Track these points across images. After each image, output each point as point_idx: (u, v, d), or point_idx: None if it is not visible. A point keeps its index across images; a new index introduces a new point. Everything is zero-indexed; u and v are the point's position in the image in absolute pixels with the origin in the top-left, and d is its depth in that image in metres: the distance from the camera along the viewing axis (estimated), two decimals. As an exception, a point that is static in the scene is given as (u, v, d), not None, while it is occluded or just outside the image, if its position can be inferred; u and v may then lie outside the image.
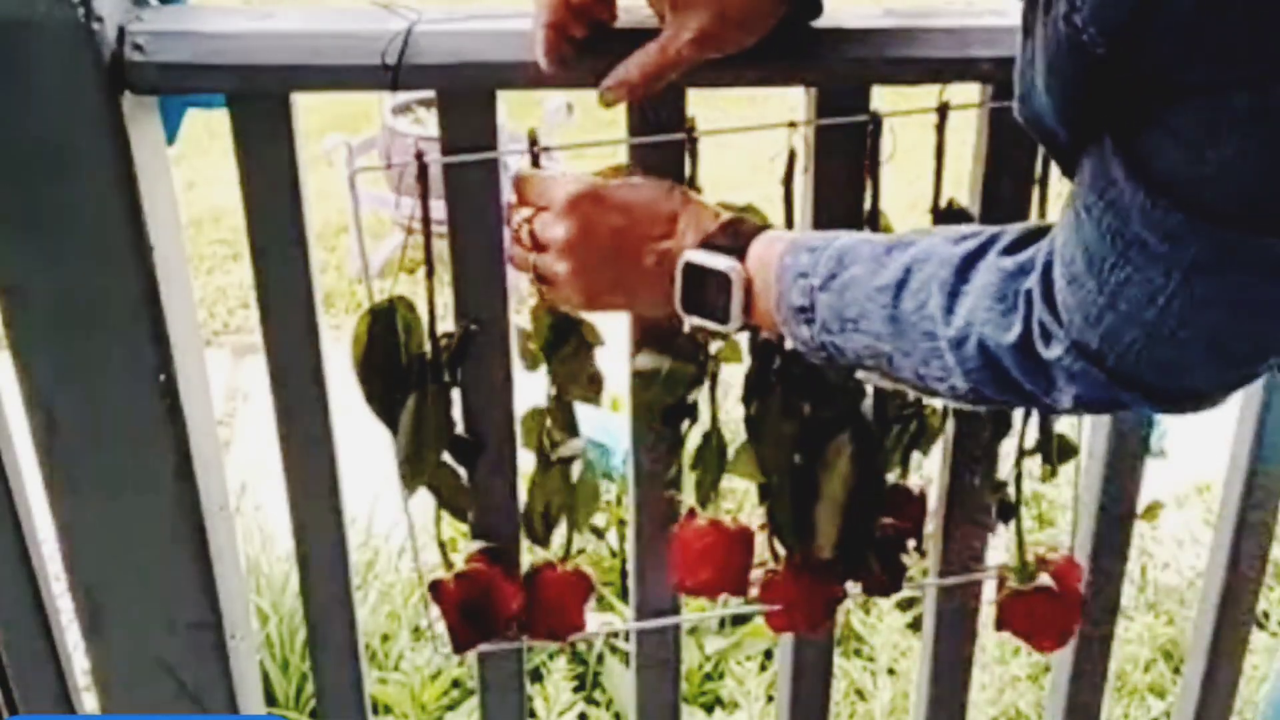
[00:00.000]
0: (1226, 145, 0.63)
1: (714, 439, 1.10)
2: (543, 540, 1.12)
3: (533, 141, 0.99)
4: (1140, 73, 0.64)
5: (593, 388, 1.06)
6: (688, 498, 1.13)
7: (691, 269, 0.91)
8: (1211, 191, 0.65)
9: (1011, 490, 1.18)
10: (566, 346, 1.04)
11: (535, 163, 0.99)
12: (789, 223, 1.02)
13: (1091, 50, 0.65)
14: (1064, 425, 1.16)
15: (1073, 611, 1.19)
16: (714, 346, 1.06)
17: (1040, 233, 0.80)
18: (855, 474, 1.08)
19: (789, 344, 0.92)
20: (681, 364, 1.05)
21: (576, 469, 1.10)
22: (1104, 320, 0.72)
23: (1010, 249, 0.81)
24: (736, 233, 0.92)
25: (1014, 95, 0.74)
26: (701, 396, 1.08)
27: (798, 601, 1.14)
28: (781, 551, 1.13)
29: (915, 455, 1.15)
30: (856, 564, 1.14)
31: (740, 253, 0.90)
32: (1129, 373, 0.74)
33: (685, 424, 1.10)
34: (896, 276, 0.83)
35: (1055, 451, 1.16)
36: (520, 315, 1.06)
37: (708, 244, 0.91)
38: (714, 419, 1.09)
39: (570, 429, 1.09)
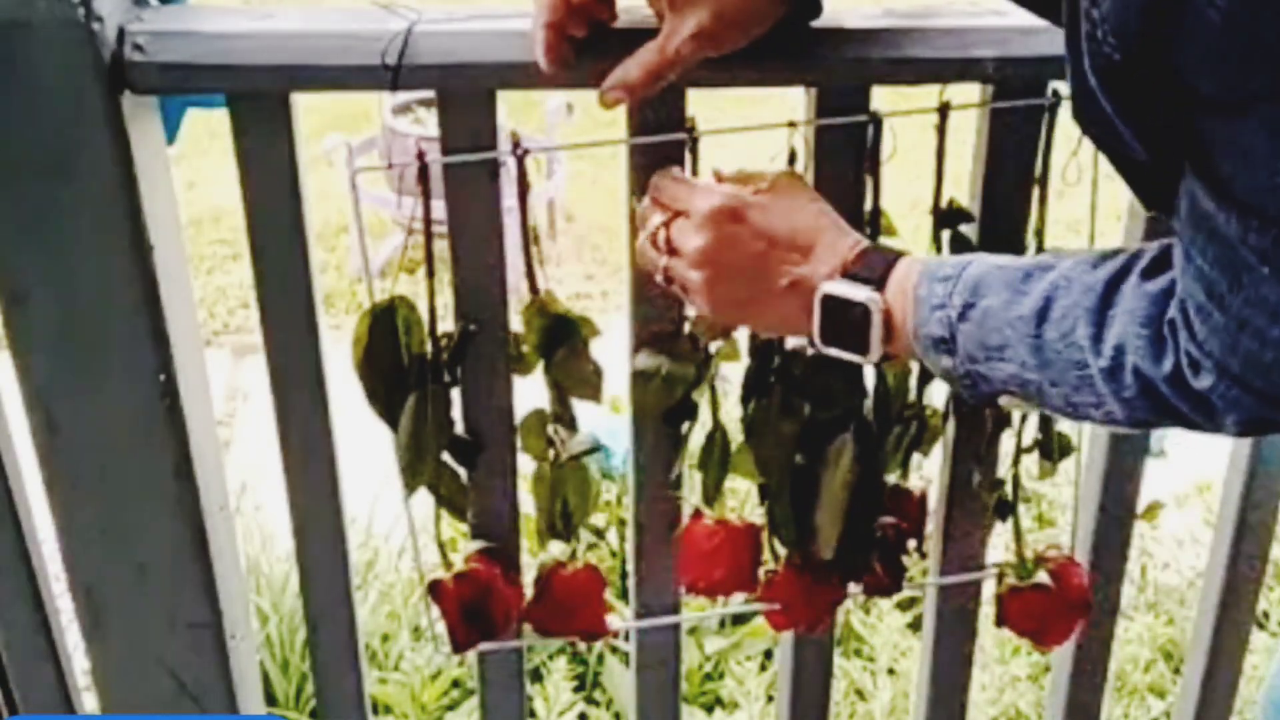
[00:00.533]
0: None
1: (717, 438, 1.10)
2: (565, 537, 1.12)
3: (515, 144, 0.98)
4: (1168, 83, 0.64)
5: (593, 384, 1.06)
6: (690, 497, 1.13)
7: (830, 300, 0.90)
8: None
9: (1009, 488, 1.18)
10: (563, 347, 1.04)
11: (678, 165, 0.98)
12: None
13: (1110, 55, 0.65)
14: (1063, 423, 1.16)
15: (1073, 610, 1.19)
16: (714, 346, 1.06)
17: None
18: (857, 474, 1.08)
19: (934, 373, 0.90)
20: (681, 364, 1.05)
21: (589, 464, 1.10)
22: (1239, 346, 0.71)
23: (1150, 270, 0.79)
24: (875, 261, 0.90)
25: (1072, 104, 0.73)
26: (703, 396, 1.08)
27: (798, 601, 1.14)
28: (782, 551, 1.13)
29: (915, 456, 1.15)
30: (857, 564, 1.14)
31: (879, 282, 0.89)
32: (1276, 393, 0.73)
33: (685, 425, 1.10)
34: (1036, 306, 0.82)
35: (1054, 449, 1.16)
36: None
37: (847, 273, 0.90)
38: (715, 419, 1.09)
39: (575, 426, 1.09)
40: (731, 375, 1.09)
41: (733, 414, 1.10)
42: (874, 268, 0.90)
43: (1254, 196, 0.66)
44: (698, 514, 1.13)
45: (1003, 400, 0.88)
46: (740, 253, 0.91)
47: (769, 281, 0.91)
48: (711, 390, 1.08)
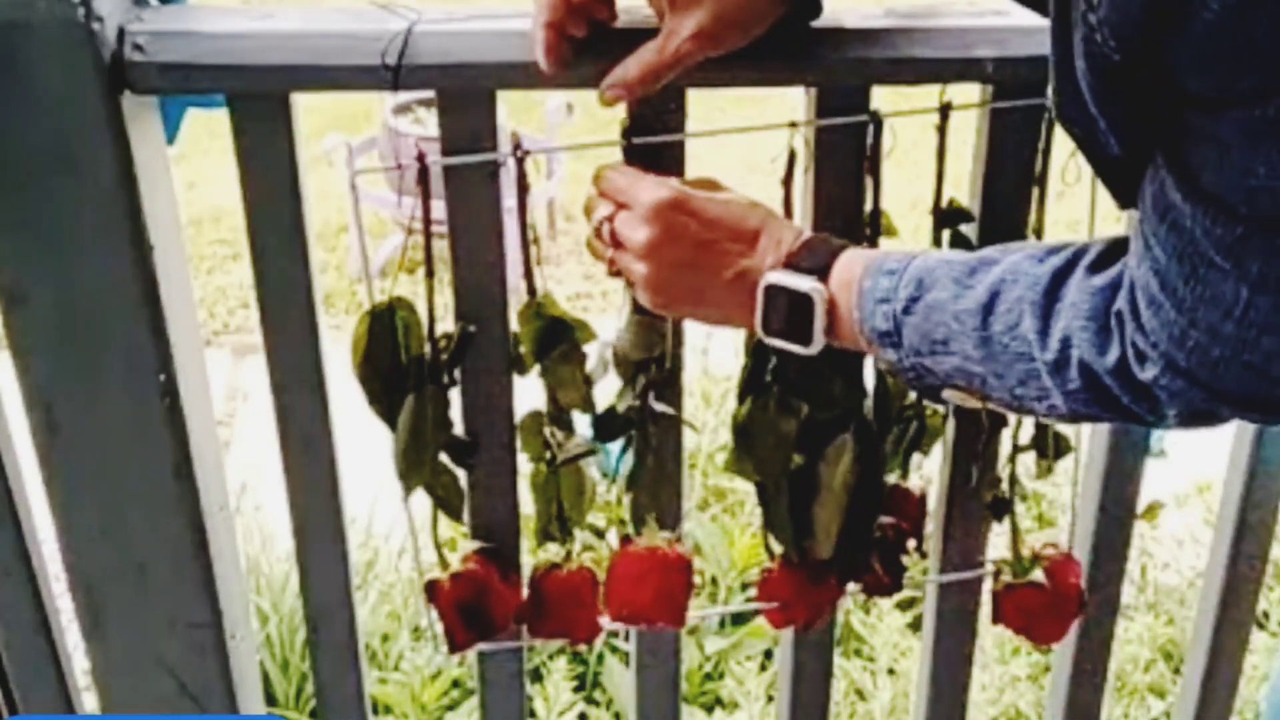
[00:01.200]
0: (1274, 154, 0.63)
1: (649, 461, 1.09)
2: (559, 539, 1.12)
3: (516, 145, 0.98)
4: (1162, 80, 0.64)
5: (581, 391, 1.05)
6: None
7: (773, 290, 0.90)
8: (1265, 201, 0.65)
9: (1006, 486, 1.18)
10: (557, 350, 1.04)
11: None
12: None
13: (1109, 57, 0.65)
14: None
15: (1068, 606, 1.19)
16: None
17: (1124, 245, 0.79)
18: (856, 474, 1.07)
19: (879, 366, 0.90)
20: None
21: (585, 466, 1.10)
22: (1188, 339, 0.72)
23: (1096, 265, 0.80)
24: (818, 252, 0.91)
25: (1050, 100, 0.73)
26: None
27: (793, 599, 1.14)
28: (777, 549, 1.13)
29: (915, 456, 1.15)
30: (856, 564, 1.14)
31: (823, 272, 0.89)
32: (1222, 387, 0.73)
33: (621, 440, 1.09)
34: (982, 299, 0.82)
35: (1051, 448, 1.15)
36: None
37: (790, 264, 0.90)
38: (647, 437, 1.08)
39: (570, 430, 1.08)
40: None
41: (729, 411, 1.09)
42: (818, 257, 0.90)
43: (1224, 192, 0.67)
44: (628, 539, 1.12)
45: (946, 394, 0.89)
46: (685, 244, 0.91)
47: (714, 273, 0.92)
48: (650, 412, 1.07)
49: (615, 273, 0.95)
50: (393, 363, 1.02)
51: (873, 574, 1.16)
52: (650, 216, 0.91)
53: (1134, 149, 0.72)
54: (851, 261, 0.89)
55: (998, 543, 1.23)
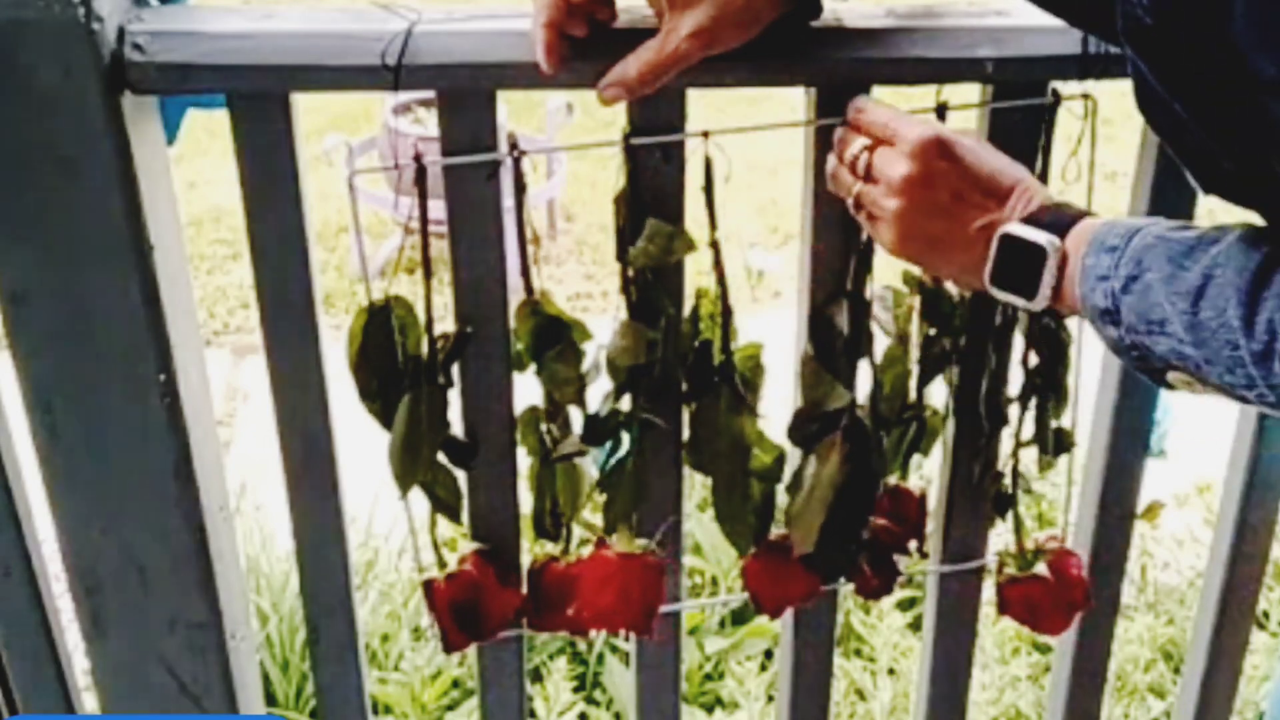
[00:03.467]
0: None
1: (628, 464, 1.09)
2: (554, 537, 1.12)
3: (513, 145, 0.98)
4: (1235, 66, 0.62)
5: (575, 388, 1.05)
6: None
7: (1008, 242, 0.89)
8: None
9: (1009, 481, 1.18)
10: (553, 349, 1.04)
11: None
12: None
13: (1140, 19, 0.64)
14: (1062, 419, 1.16)
15: (1072, 599, 1.19)
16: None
17: None
18: (846, 474, 1.07)
19: (1104, 343, 0.88)
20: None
21: (580, 465, 1.10)
22: None
23: None
24: (1063, 214, 0.90)
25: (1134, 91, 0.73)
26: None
27: (766, 587, 1.15)
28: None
29: (915, 456, 1.15)
30: (838, 563, 1.14)
31: (1062, 232, 0.88)
32: None
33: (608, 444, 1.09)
34: (1196, 283, 0.81)
35: (1052, 443, 1.15)
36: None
37: (1031, 220, 0.89)
38: (633, 441, 1.08)
39: (568, 426, 1.08)
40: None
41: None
42: (1061, 217, 0.89)
43: None
44: (601, 542, 1.11)
45: (1171, 376, 0.87)
46: (943, 190, 0.90)
47: (963, 224, 0.91)
48: (631, 413, 1.07)
49: (857, 208, 0.94)
50: (389, 361, 1.02)
51: (861, 574, 1.15)
52: (916, 153, 0.90)
53: (1224, 136, 0.70)
54: (1089, 227, 0.88)
55: (997, 541, 1.24)
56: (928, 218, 0.91)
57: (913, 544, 1.18)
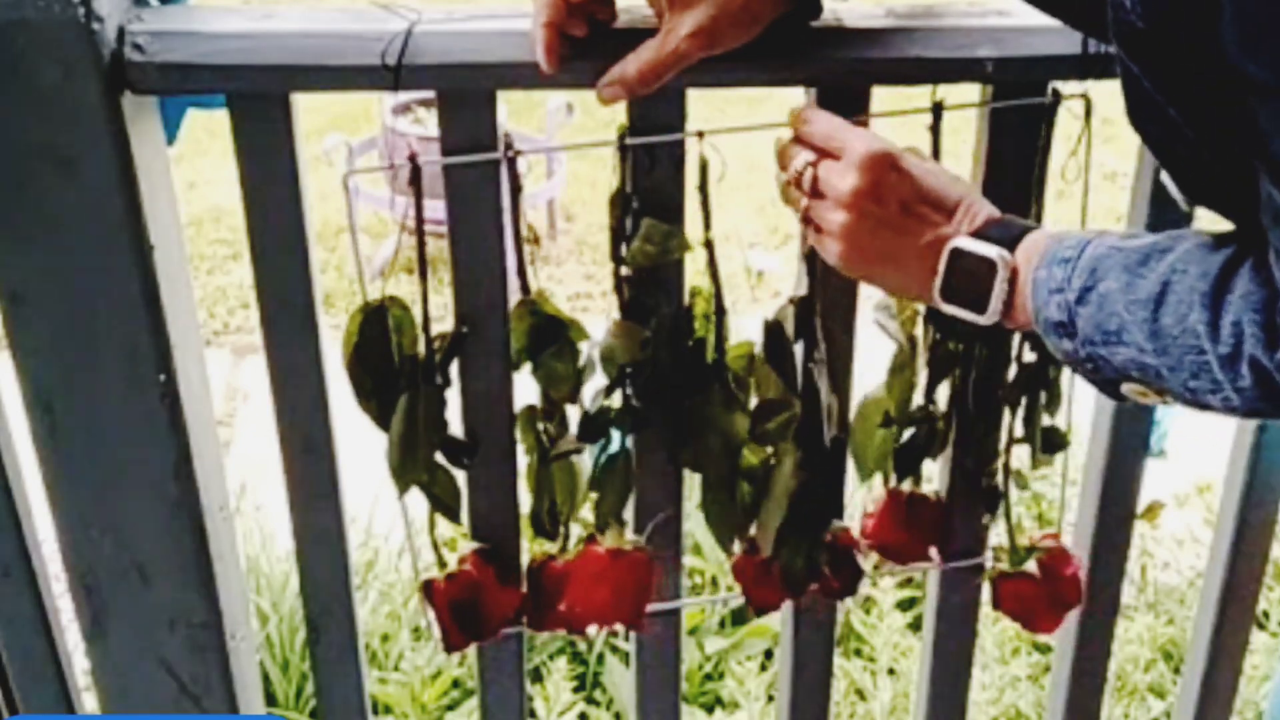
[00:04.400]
0: None
1: (620, 461, 1.09)
2: (552, 535, 1.12)
3: (508, 145, 0.98)
4: (1224, 69, 0.63)
5: (570, 385, 1.05)
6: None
7: (957, 255, 0.89)
8: None
9: (1000, 477, 1.18)
10: (550, 348, 1.04)
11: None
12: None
13: (1132, 23, 0.64)
14: (1056, 417, 1.16)
15: (1064, 598, 1.19)
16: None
17: None
18: (800, 480, 1.07)
19: (1057, 357, 0.88)
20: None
21: (577, 463, 1.10)
22: None
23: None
24: (1010, 227, 0.89)
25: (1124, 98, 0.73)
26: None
27: (751, 585, 1.15)
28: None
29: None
30: (795, 567, 1.14)
31: (1011, 245, 0.88)
32: None
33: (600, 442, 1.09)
34: (1153, 290, 0.80)
35: (1038, 441, 1.15)
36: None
37: (978, 234, 0.89)
38: (624, 438, 1.08)
39: (565, 425, 1.08)
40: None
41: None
42: (1008, 231, 0.89)
43: None
44: (592, 539, 1.11)
45: (1125, 388, 0.86)
46: (891, 203, 0.89)
47: (912, 237, 0.90)
48: (632, 418, 1.07)
49: (806, 221, 0.93)
50: (385, 361, 1.02)
51: (821, 578, 1.15)
52: (863, 167, 0.89)
53: (1211, 138, 0.71)
54: (1037, 241, 0.88)
55: (998, 542, 1.24)
56: (875, 232, 0.90)
57: (932, 549, 1.18)
